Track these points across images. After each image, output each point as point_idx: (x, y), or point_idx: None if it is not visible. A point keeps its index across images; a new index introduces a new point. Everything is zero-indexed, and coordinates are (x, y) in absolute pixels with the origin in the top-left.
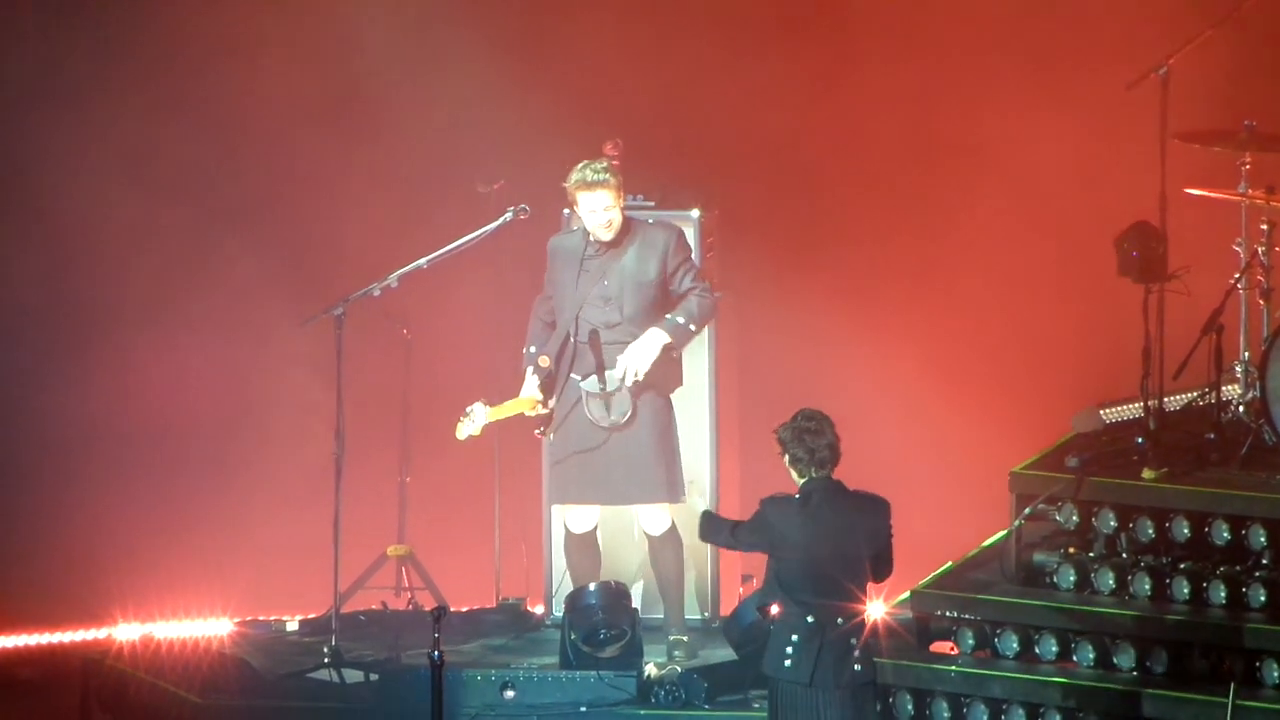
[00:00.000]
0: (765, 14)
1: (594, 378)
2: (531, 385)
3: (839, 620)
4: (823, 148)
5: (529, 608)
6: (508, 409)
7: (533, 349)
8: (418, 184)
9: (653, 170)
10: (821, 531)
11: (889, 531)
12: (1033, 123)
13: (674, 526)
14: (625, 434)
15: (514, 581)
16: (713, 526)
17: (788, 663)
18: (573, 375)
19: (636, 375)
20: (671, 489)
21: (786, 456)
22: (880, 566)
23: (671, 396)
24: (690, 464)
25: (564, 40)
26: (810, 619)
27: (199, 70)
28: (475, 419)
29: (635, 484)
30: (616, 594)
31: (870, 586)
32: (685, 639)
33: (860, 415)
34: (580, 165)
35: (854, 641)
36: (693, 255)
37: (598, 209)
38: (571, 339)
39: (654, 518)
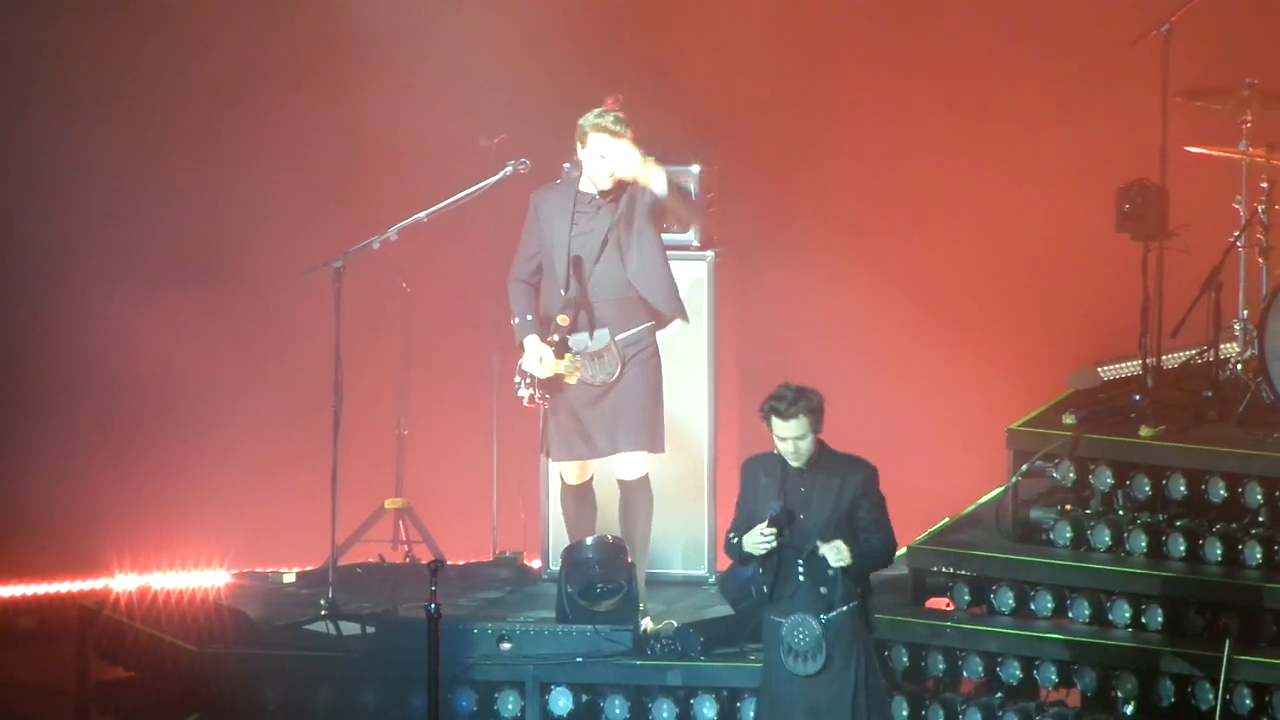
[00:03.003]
0: None
1: (584, 335)
2: (543, 350)
3: None
4: (823, 102)
5: (526, 562)
6: (551, 366)
7: (529, 317)
8: (418, 137)
9: (653, 124)
10: None
11: None
12: (1033, 81)
13: (647, 476)
14: (614, 388)
15: (511, 535)
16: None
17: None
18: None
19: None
20: (652, 439)
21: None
22: None
23: (660, 351)
24: (689, 418)
25: None
26: None
27: (195, 16)
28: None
29: (618, 432)
30: (613, 548)
31: None
32: (642, 606)
33: (858, 370)
34: (596, 111)
35: None
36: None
37: (609, 156)
38: (565, 294)
39: (630, 463)
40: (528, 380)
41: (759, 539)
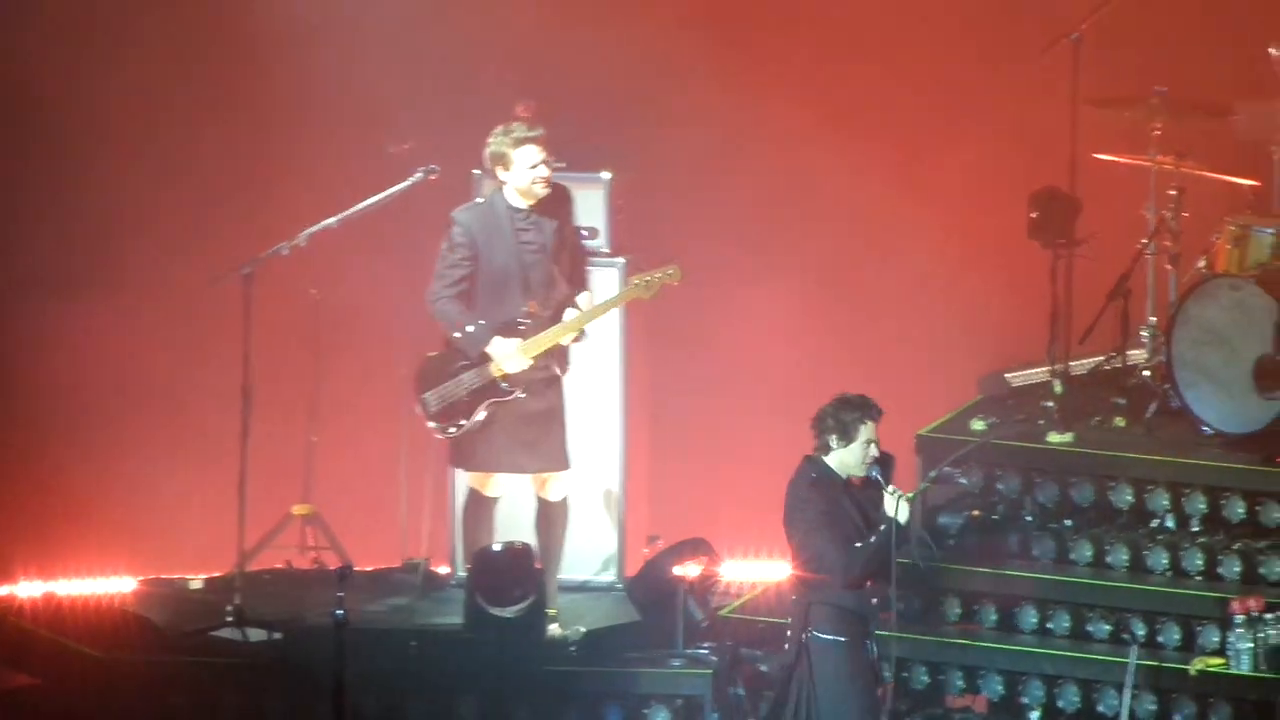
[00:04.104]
0: None
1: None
2: (515, 343)
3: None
4: (730, 109)
5: (434, 567)
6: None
7: (481, 322)
8: (328, 144)
9: (563, 132)
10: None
11: (789, 524)
12: (945, 88)
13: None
14: (532, 405)
15: (419, 541)
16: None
17: None
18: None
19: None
20: (568, 456)
21: None
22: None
23: (570, 360)
24: (601, 427)
25: (474, 2)
26: None
27: (91, 20)
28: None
29: (555, 452)
30: (522, 554)
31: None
32: (553, 611)
33: (768, 377)
34: (504, 128)
35: (790, 619)
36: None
37: (539, 163)
38: (524, 307)
39: (560, 484)
40: (454, 410)
41: (901, 497)
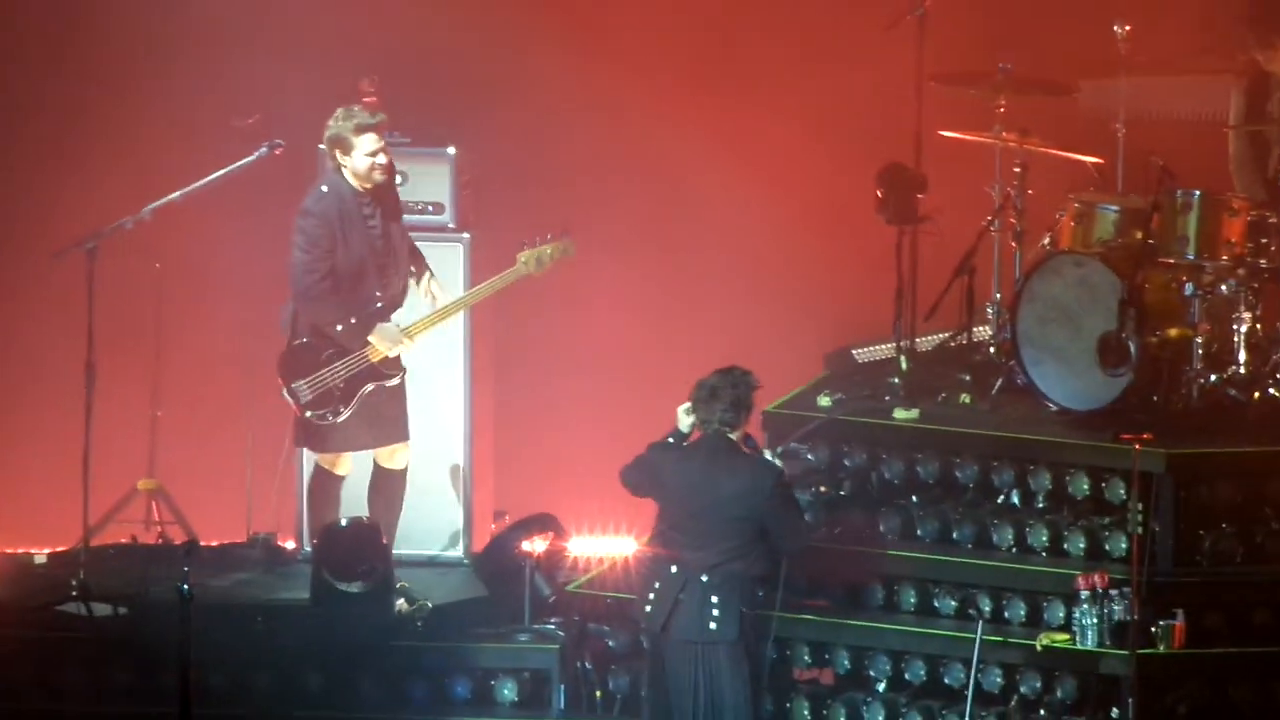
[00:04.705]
0: None
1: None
2: (394, 327)
3: (703, 576)
4: (577, 86)
5: (280, 542)
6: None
7: (354, 319)
8: (173, 116)
9: (408, 106)
10: (696, 482)
11: (774, 498)
12: (790, 63)
13: None
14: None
15: (265, 516)
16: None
17: (648, 608)
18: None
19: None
20: (408, 427)
21: None
22: (775, 537)
23: (421, 335)
24: (446, 401)
25: None
26: (674, 568)
27: None
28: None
29: (402, 422)
30: (369, 530)
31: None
32: (405, 584)
33: (613, 353)
34: (346, 111)
35: (714, 599)
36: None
37: (379, 150)
38: (375, 301)
39: (404, 454)
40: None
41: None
